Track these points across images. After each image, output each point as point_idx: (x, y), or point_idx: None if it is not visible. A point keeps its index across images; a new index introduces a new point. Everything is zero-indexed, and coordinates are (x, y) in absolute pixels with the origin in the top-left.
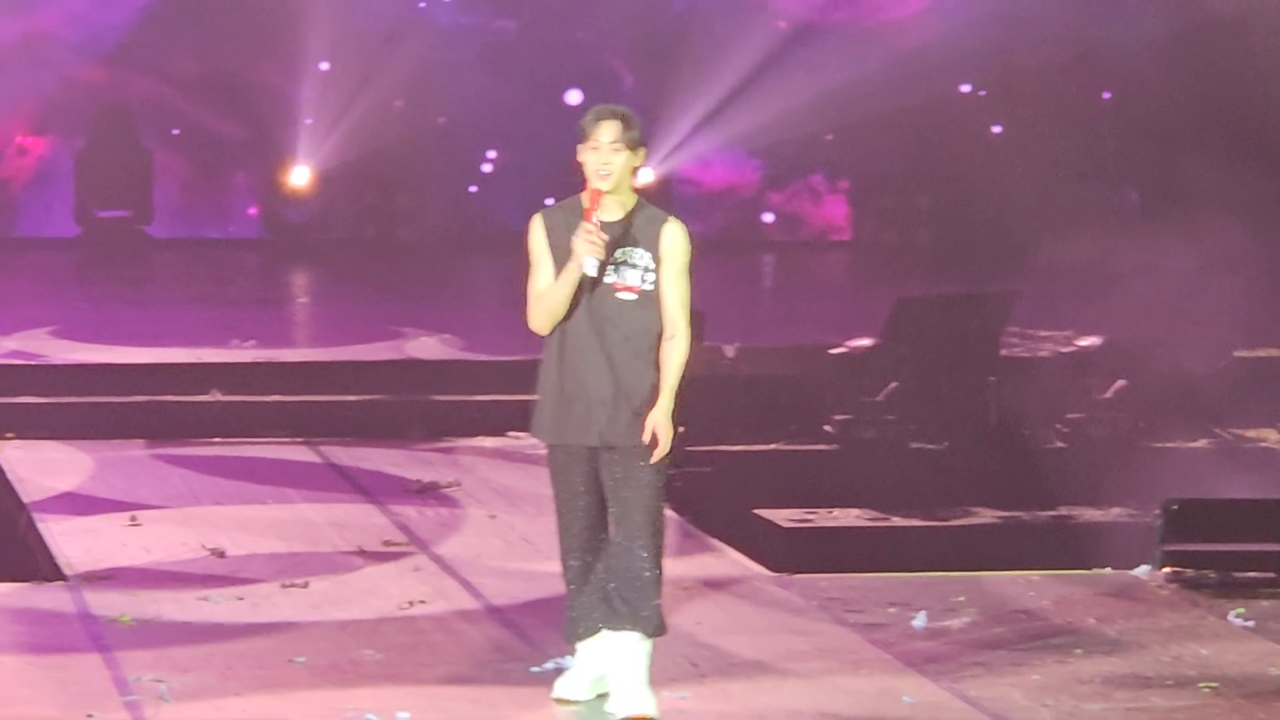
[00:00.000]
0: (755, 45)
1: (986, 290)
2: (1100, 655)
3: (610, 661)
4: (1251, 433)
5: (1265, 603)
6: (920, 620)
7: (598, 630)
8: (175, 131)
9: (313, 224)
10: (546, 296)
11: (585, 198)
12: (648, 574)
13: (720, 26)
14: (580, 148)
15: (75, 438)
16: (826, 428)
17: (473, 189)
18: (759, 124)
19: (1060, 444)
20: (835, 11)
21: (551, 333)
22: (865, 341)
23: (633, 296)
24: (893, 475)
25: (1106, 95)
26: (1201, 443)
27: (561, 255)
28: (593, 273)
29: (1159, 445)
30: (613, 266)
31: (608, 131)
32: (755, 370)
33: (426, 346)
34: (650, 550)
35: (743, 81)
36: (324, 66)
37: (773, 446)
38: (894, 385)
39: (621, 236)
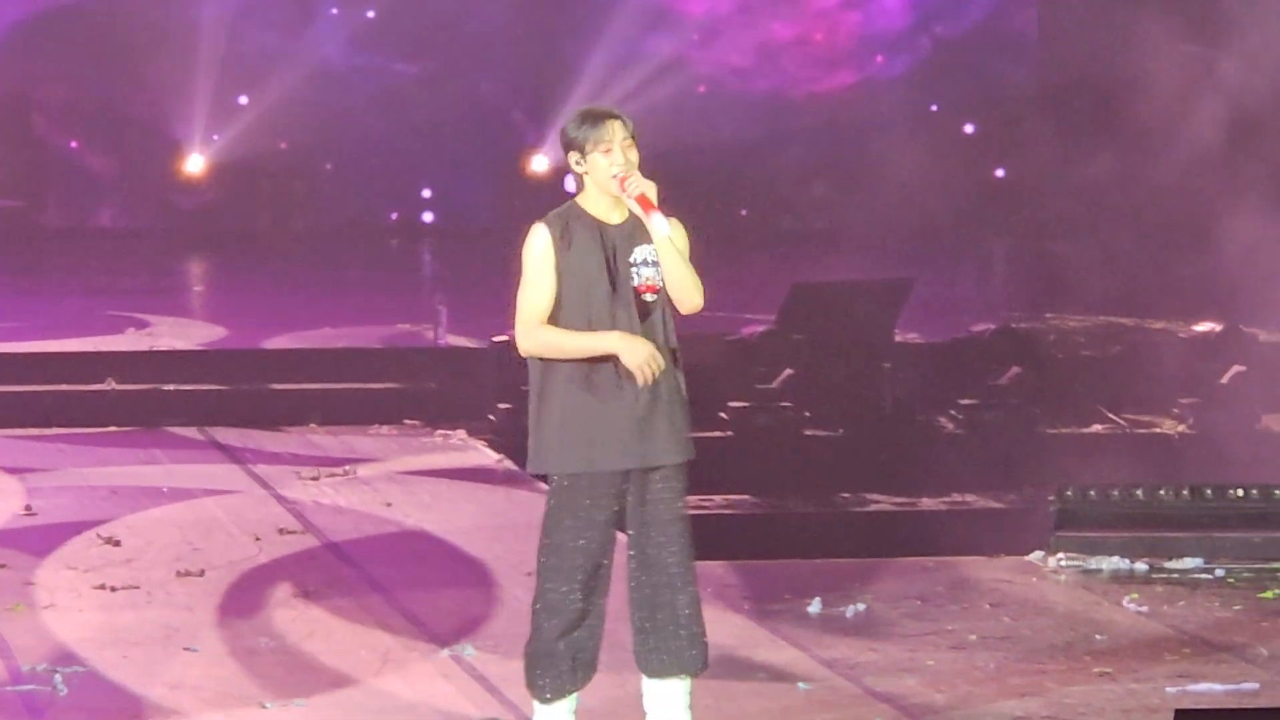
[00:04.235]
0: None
1: (881, 277)
2: (994, 641)
3: (656, 713)
4: (1146, 418)
5: (1158, 588)
6: (815, 607)
7: (575, 691)
8: (73, 145)
9: (207, 211)
10: (561, 345)
11: (582, 203)
12: (694, 609)
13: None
14: (577, 156)
15: None
16: (721, 414)
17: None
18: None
19: (955, 430)
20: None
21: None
22: (759, 327)
23: (655, 296)
24: (787, 462)
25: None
26: (1096, 428)
27: (565, 267)
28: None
29: (1054, 431)
30: (634, 269)
31: (619, 129)
32: None
33: (324, 335)
34: (694, 581)
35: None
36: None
37: None
38: (788, 372)
39: (632, 235)
